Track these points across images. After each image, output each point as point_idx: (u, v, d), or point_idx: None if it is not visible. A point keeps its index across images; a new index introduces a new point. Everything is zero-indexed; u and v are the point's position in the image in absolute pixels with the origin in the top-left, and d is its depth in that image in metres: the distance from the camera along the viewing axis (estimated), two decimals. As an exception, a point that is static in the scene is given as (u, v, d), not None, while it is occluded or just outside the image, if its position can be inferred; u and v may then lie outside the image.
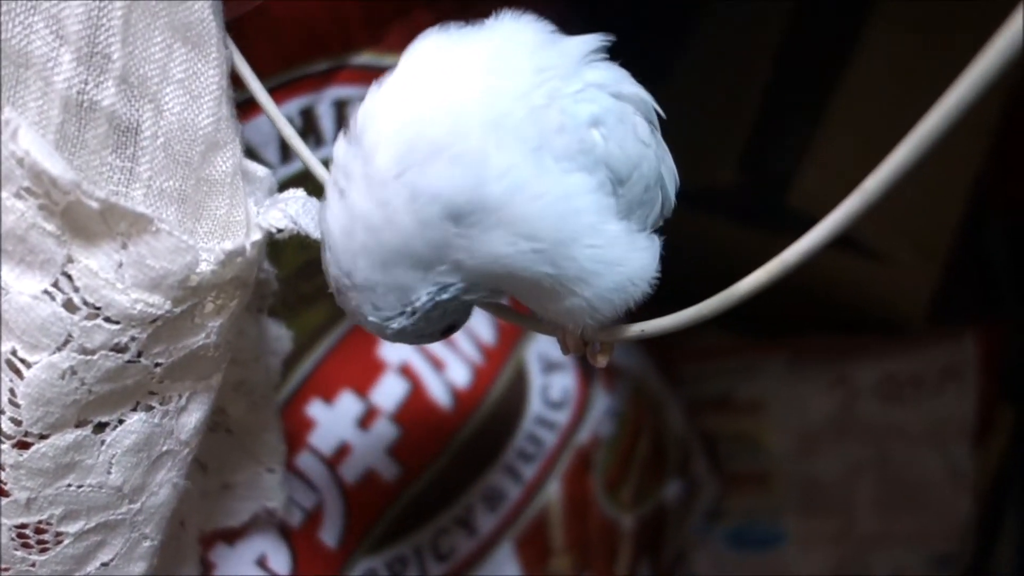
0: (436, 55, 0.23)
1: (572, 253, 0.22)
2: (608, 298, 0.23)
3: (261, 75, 0.38)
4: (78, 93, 0.21)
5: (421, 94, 0.22)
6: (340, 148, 0.23)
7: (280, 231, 0.24)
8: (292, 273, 0.39)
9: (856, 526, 0.64)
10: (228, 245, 0.23)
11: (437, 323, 0.25)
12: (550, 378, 0.51)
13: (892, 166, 0.17)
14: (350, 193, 0.22)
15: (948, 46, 0.59)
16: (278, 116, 0.27)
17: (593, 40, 0.23)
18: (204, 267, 0.23)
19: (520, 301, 0.26)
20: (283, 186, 0.29)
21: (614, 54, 0.24)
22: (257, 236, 0.24)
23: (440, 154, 0.21)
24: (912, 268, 0.62)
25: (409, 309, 0.23)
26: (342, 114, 0.43)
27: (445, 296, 0.23)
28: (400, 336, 0.24)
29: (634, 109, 0.24)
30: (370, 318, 0.24)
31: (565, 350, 0.27)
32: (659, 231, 0.26)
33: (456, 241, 0.22)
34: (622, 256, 0.23)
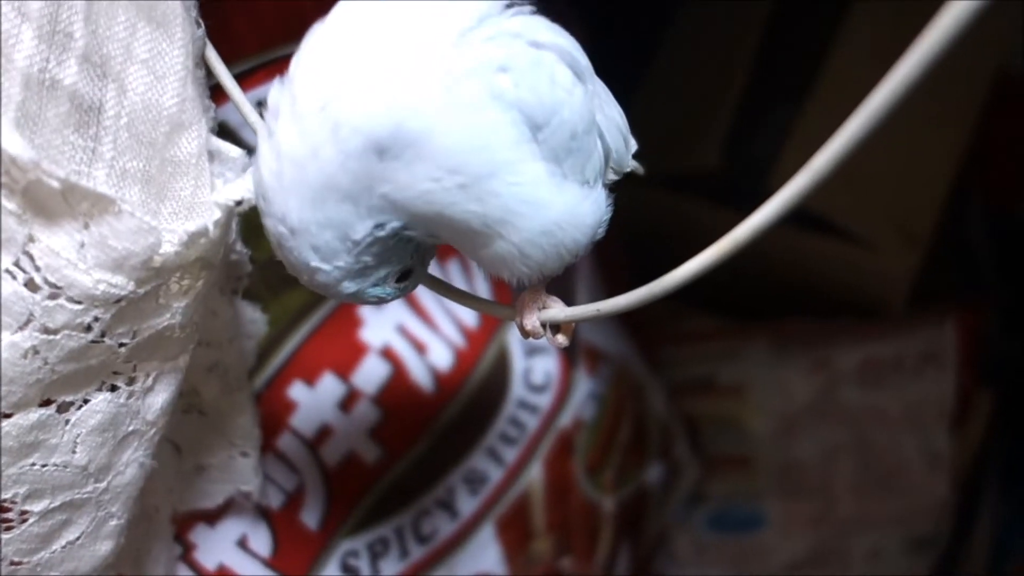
0: (358, 2, 0.23)
1: (494, 188, 0.22)
2: (536, 242, 0.23)
3: (241, 55, 0.38)
4: (39, 71, 0.21)
5: (344, 33, 0.23)
6: (273, 92, 0.23)
7: (239, 203, 0.24)
8: (272, 255, 0.39)
9: (835, 509, 0.64)
10: (191, 226, 0.23)
11: (384, 265, 0.24)
12: (532, 361, 0.51)
13: (840, 143, 0.17)
14: (276, 132, 0.23)
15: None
16: (242, 100, 0.27)
17: None
18: (168, 248, 0.23)
19: (457, 249, 0.26)
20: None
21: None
22: (218, 215, 0.24)
23: (360, 88, 0.22)
24: (893, 254, 0.62)
25: (349, 244, 0.23)
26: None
27: (382, 233, 0.23)
28: (349, 280, 0.24)
29: (556, 57, 0.24)
30: (313, 263, 0.23)
31: (523, 333, 0.27)
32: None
33: (382, 174, 0.22)
34: (547, 199, 0.23)
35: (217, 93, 0.29)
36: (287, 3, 0.40)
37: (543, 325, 0.26)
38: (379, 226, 0.23)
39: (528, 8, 0.24)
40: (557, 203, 0.23)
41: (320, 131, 0.22)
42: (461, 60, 0.22)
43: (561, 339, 0.26)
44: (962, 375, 0.61)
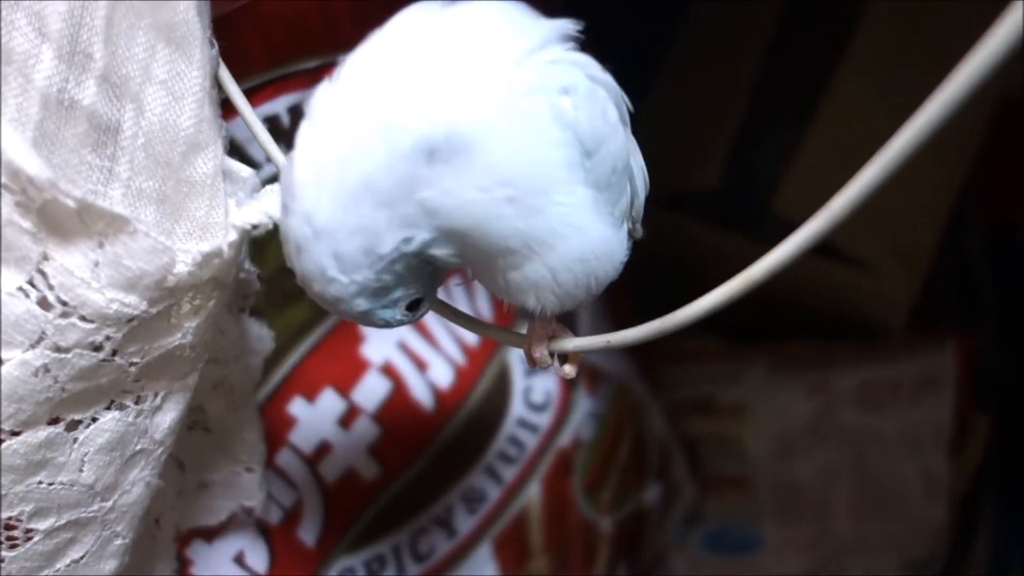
0: (418, 15, 0.23)
1: (542, 206, 0.22)
2: (571, 268, 0.23)
3: (251, 71, 0.38)
4: (58, 91, 0.21)
5: (401, 42, 0.23)
6: (318, 94, 0.23)
7: (255, 227, 0.24)
8: (276, 270, 0.39)
9: (832, 531, 0.64)
10: (205, 247, 0.23)
11: (400, 286, 0.24)
12: (533, 380, 0.51)
13: (862, 184, 0.17)
14: (323, 129, 0.22)
15: (933, 55, 0.59)
16: (250, 113, 0.27)
17: (570, 23, 0.24)
18: (181, 268, 0.23)
19: (481, 278, 0.26)
20: (269, 184, 0.29)
21: (600, 58, 0.24)
22: (233, 236, 0.24)
23: (418, 91, 0.22)
24: (893, 277, 0.62)
25: (373, 257, 0.22)
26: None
27: (409, 248, 0.23)
28: (363, 297, 0.23)
29: (607, 95, 0.24)
30: (330, 272, 0.22)
31: (531, 362, 0.27)
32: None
33: (426, 177, 0.22)
34: (589, 225, 0.23)
35: (225, 108, 0.29)
36: (296, 20, 0.41)
37: (551, 355, 0.26)
38: (407, 240, 0.22)
39: (574, 42, 0.24)
40: (596, 231, 0.23)
41: (370, 130, 0.22)
42: (524, 77, 0.22)
43: (569, 369, 0.26)
44: (961, 399, 0.61)
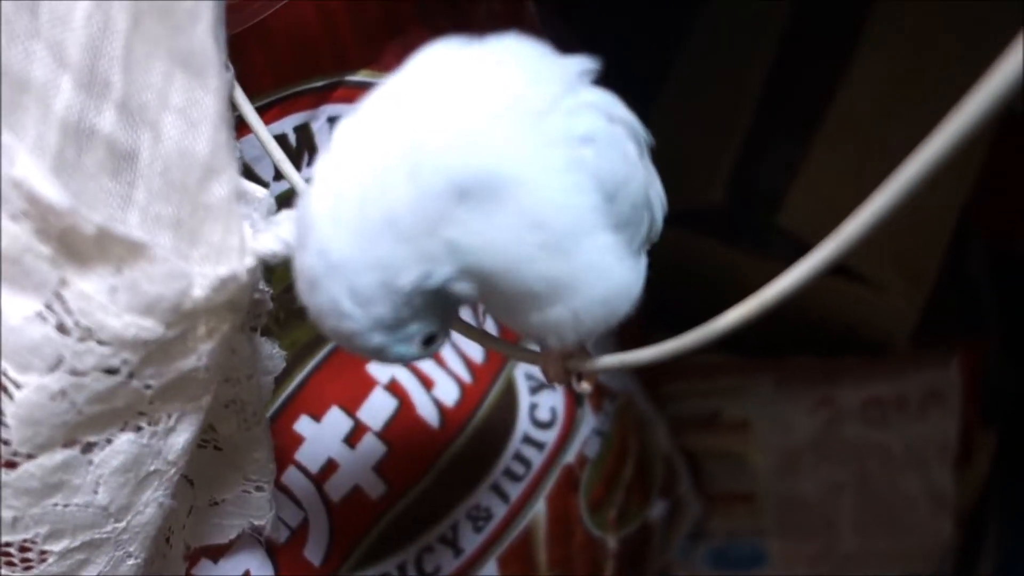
0: (442, 55, 0.23)
1: (570, 251, 0.22)
2: (593, 311, 0.23)
3: (258, 91, 0.39)
4: (78, 119, 0.22)
5: (428, 83, 0.22)
6: (340, 127, 0.23)
7: (275, 255, 0.24)
8: (283, 289, 0.39)
9: (837, 546, 0.64)
10: (222, 271, 0.23)
11: (417, 320, 0.24)
12: (538, 397, 0.51)
13: (872, 210, 0.18)
14: (343, 162, 0.22)
15: (938, 69, 0.59)
16: (269, 139, 0.28)
17: (587, 60, 0.24)
18: (198, 292, 0.23)
19: (497, 313, 0.26)
20: (277, 201, 0.29)
21: (604, 75, 0.25)
22: (251, 261, 0.24)
23: (449, 131, 0.21)
24: (897, 292, 0.62)
25: (391, 291, 0.22)
26: (337, 132, 0.43)
27: (429, 282, 0.22)
28: (379, 332, 0.23)
29: (625, 133, 0.24)
30: (345, 308, 0.22)
31: (548, 379, 0.27)
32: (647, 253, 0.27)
33: (455, 217, 0.21)
34: (613, 267, 0.23)
35: (237, 126, 0.29)
36: (302, 40, 0.41)
37: (568, 372, 0.27)
38: (427, 275, 0.22)
39: (592, 77, 0.24)
40: (619, 273, 0.23)
41: (398, 166, 0.21)
42: (549, 124, 0.22)
43: (586, 386, 0.27)
44: (966, 414, 0.61)
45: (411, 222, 0.21)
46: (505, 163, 0.21)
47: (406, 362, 0.25)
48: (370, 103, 0.23)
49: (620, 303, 0.24)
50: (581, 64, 0.24)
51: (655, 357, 0.24)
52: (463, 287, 0.23)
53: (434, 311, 0.24)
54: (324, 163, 0.23)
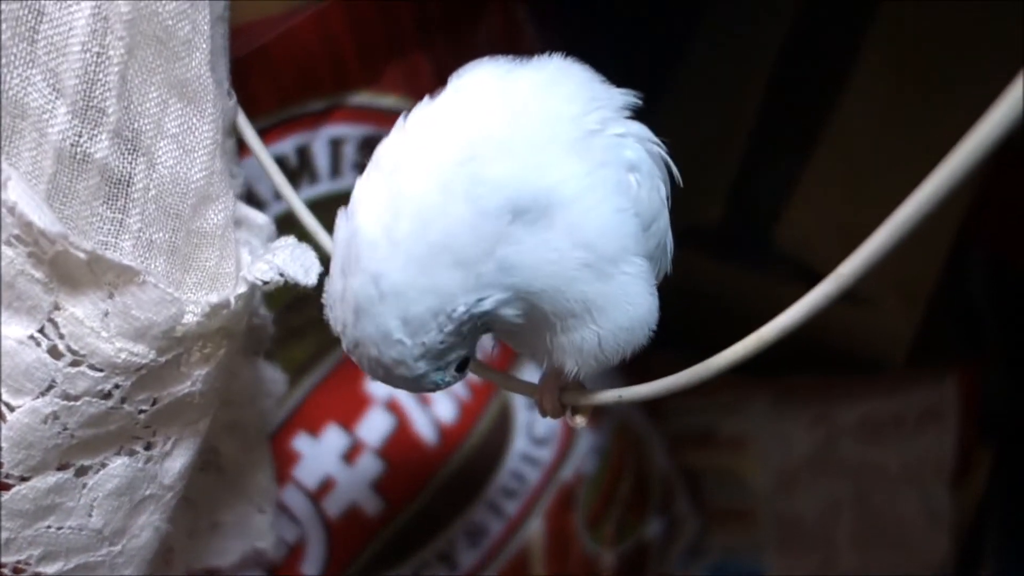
0: (491, 74, 0.23)
1: (612, 274, 0.22)
2: (617, 336, 0.23)
3: (259, 113, 0.39)
4: (72, 145, 0.22)
5: (480, 101, 0.22)
6: (386, 146, 0.22)
7: (266, 283, 0.24)
8: (281, 307, 0.39)
9: (835, 564, 0.64)
10: (214, 298, 0.23)
11: (459, 347, 0.23)
12: (535, 415, 0.51)
13: (867, 252, 0.18)
14: (401, 182, 0.21)
15: (936, 87, 0.60)
16: (272, 166, 0.28)
17: (630, 94, 0.24)
18: (190, 318, 0.23)
19: (520, 337, 0.26)
20: (277, 222, 0.30)
21: None
22: (243, 289, 0.24)
23: (506, 151, 0.21)
24: (894, 310, 0.62)
25: (442, 318, 0.22)
26: (337, 153, 0.44)
27: (480, 308, 0.22)
28: (425, 360, 0.22)
29: (658, 171, 0.25)
30: (395, 336, 0.21)
31: (543, 412, 0.27)
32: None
33: (509, 235, 0.21)
34: (641, 295, 0.23)
35: (241, 148, 0.29)
36: (304, 62, 0.42)
37: (563, 406, 0.27)
38: (481, 300, 0.22)
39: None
40: (645, 302, 0.24)
41: (458, 185, 0.21)
42: (599, 147, 0.22)
43: (580, 420, 0.27)
44: (963, 432, 0.61)
45: (470, 245, 0.21)
46: (557, 183, 0.21)
47: (440, 389, 0.25)
48: (418, 121, 0.22)
49: (640, 332, 0.24)
50: (626, 96, 0.24)
51: (651, 393, 0.24)
52: (510, 312, 0.23)
53: (472, 337, 0.24)
54: (370, 183, 0.22)
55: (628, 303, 0.23)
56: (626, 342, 0.24)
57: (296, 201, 0.28)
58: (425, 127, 0.22)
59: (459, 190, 0.21)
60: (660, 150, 0.25)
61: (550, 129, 0.22)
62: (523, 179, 0.21)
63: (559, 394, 0.27)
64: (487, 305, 0.22)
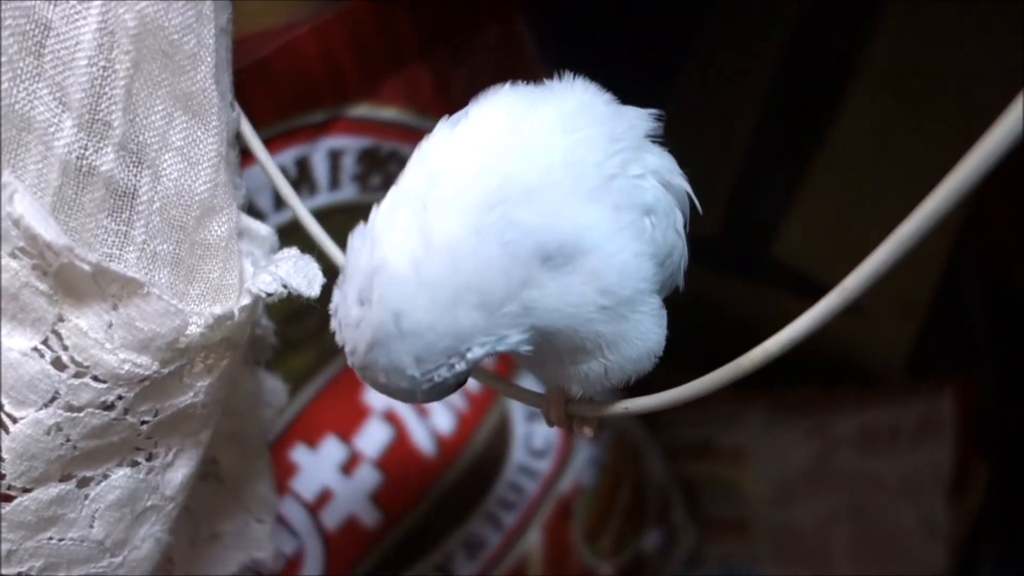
0: (514, 107, 0.23)
1: (626, 315, 0.23)
2: (624, 368, 0.24)
3: (258, 125, 0.39)
4: (77, 158, 0.22)
5: (506, 141, 0.22)
6: (410, 176, 0.22)
7: (270, 295, 0.25)
8: (280, 319, 0.39)
9: (832, 575, 0.64)
10: (217, 309, 0.23)
11: (464, 375, 0.23)
12: (533, 426, 0.51)
13: (871, 266, 0.18)
14: (432, 220, 0.21)
15: (933, 102, 0.60)
16: (278, 175, 0.28)
17: (650, 115, 0.24)
18: (193, 330, 0.23)
19: (528, 363, 0.26)
20: (277, 233, 0.29)
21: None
22: (246, 301, 0.24)
23: (534, 196, 0.21)
24: (891, 322, 0.62)
25: (455, 358, 0.22)
26: (336, 164, 0.44)
27: (500, 348, 0.22)
28: (430, 392, 0.22)
29: (676, 202, 0.25)
30: (408, 371, 0.21)
31: (549, 422, 0.27)
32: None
33: (536, 280, 0.21)
34: (651, 330, 0.24)
35: (244, 157, 0.30)
36: (303, 75, 0.42)
37: (569, 417, 0.27)
38: (501, 339, 0.22)
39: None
40: (656, 336, 0.24)
41: (491, 228, 0.21)
42: (617, 191, 0.23)
43: (587, 431, 0.27)
44: (960, 444, 0.61)
45: (499, 288, 0.21)
46: (583, 229, 0.22)
47: (432, 402, 0.25)
48: (442, 154, 0.22)
49: (647, 362, 0.24)
50: (648, 123, 0.24)
51: (658, 405, 0.24)
52: (526, 348, 0.23)
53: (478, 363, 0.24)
54: (396, 215, 0.21)
55: (638, 339, 0.23)
56: (635, 372, 0.24)
57: (301, 209, 0.28)
58: (450, 162, 0.22)
59: (492, 233, 0.21)
60: (681, 181, 0.25)
61: (574, 176, 0.22)
62: (552, 226, 0.21)
63: (566, 405, 0.27)
64: (504, 346, 0.22)
